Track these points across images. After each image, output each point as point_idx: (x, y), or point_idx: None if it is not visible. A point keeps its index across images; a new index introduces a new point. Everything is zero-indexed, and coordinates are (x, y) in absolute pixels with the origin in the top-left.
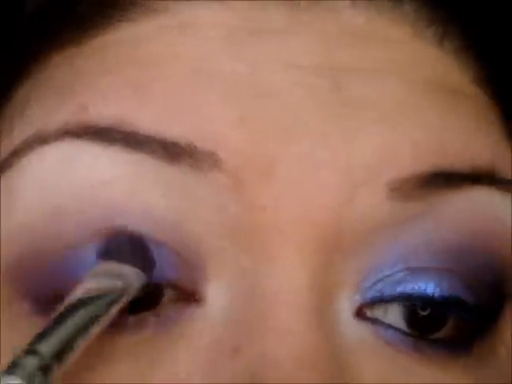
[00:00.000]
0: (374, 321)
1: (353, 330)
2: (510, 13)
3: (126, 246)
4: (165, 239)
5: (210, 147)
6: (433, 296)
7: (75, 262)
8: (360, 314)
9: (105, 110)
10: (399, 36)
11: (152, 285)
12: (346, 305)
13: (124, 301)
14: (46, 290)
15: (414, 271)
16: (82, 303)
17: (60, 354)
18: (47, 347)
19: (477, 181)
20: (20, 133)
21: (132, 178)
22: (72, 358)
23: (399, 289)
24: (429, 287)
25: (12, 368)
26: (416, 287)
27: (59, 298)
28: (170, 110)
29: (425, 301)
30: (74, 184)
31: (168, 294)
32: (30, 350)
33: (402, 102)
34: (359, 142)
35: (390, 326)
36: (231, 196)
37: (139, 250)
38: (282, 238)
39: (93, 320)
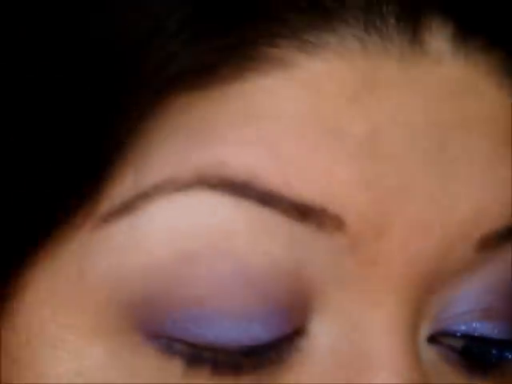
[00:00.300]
0: (443, 346)
1: (427, 353)
2: None
3: None
4: (284, 291)
5: (337, 210)
6: (493, 339)
7: (201, 320)
8: (432, 339)
9: (241, 165)
10: (489, 87)
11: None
12: (425, 331)
13: None
14: (163, 333)
15: (482, 314)
16: None
17: None
18: None
19: None
20: (151, 175)
21: (258, 229)
22: None
23: (464, 328)
24: (493, 331)
25: None
26: (480, 329)
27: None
28: (301, 169)
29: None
30: (204, 232)
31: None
32: None
33: (489, 157)
34: (455, 198)
35: (453, 350)
36: (348, 253)
37: None
38: (387, 284)
39: None
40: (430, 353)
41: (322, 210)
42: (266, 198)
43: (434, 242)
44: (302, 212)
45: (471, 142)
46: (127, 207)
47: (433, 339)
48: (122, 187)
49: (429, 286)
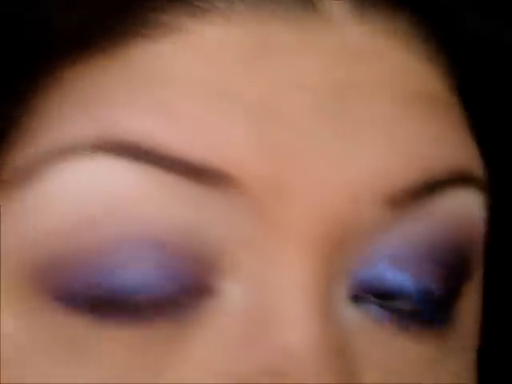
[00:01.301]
0: (366, 303)
1: (348, 312)
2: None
3: None
4: (181, 237)
5: (233, 171)
6: (409, 291)
7: (97, 275)
8: (354, 298)
9: (133, 126)
10: (393, 50)
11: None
12: (343, 290)
13: None
14: (72, 292)
15: (397, 264)
16: None
17: None
18: None
19: (457, 184)
20: (52, 141)
21: (157, 193)
22: None
23: (382, 280)
24: (408, 283)
25: None
26: (396, 283)
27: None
28: (196, 131)
29: (404, 295)
30: (103, 197)
31: (183, 286)
32: None
33: (397, 117)
34: (359, 156)
35: (374, 305)
36: (248, 212)
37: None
38: (294, 244)
39: None
40: (353, 312)
41: (217, 170)
42: (163, 161)
43: (339, 201)
44: (199, 173)
45: (375, 103)
46: (29, 173)
47: (357, 298)
48: (23, 154)
49: (341, 245)
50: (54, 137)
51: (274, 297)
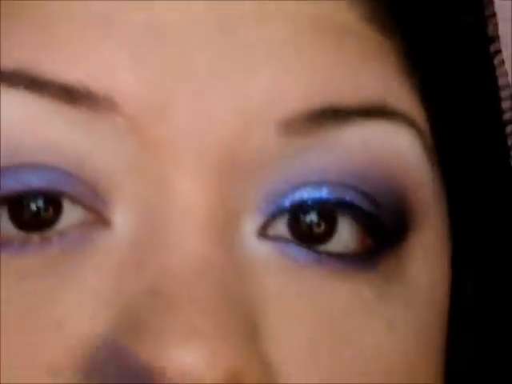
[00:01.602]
0: (276, 238)
1: (255, 248)
2: None
3: None
4: (67, 165)
5: (106, 91)
6: (326, 199)
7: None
8: (263, 233)
9: (8, 55)
10: None
11: (51, 205)
12: (248, 226)
13: None
14: None
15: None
16: None
17: None
18: None
19: (367, 115)
20: None
21: (35, 117)
22: None
23: (295, 197)
24: (322, 192)
25: None
26: (307, 194)
27: None
28: (67, 53)
29: (317, 204)
30: None
31: (68, 215)
32: None
33: (289, 42)
34: (249, 81)
35: (290, 241)
36: (130, 136)
37: None
38: (180, 166)
39: None
40: (262, 249)
41: (88, 90)
42: (35, 85)
43: (223, 126)
44: (71, 95)
45: (266, 29)
46: None
47: (268, 235)
48: None
49: (232, 173)
50: None
51: (163, 224)
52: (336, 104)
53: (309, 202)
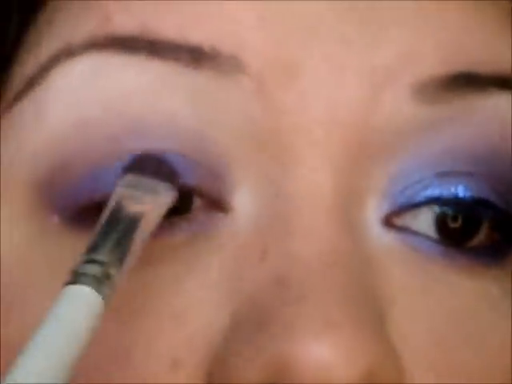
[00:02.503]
0: (403, 229)
1: (380, 237)
2: None
3: (150, 162)
4: (189, 149)
5: (231, 50)
6: (463, 198)
7: (102, 177)
8: (388, 222)
9: (128, 19)
10: None
11: (180, 193)
12: (373, 211)
13: (162, 211)
14: (73, 205)
15: (442, 176)
16: (122, 214)
17: (119, 260)
18: (104, 256)
19: (503, 86)
20: (47, 48)
21: (156, 86)
22: (129, 263)
23: (428, 193)
24: (458, 190)
25: (76, 277)
26: (445, 191)
27: (86, 212)
28: (191, 15)
29: (455, 203)
30: (101, 96)
31: (197, 202)
32: (89, 260)
33: (424, 5)
34: (382, 43)
35: (418, 234)
36: (255, 99)
37: (163, 166)
38: (307, 140)
39: (137, 227)
40: (386, 237)
41: (213, 50)
42: (156, 48)
43: (353, 87)
44: (195, 57)
45: None
46: (30, 84)
47: (392, 224)
48: (26, 66)
49: (362, 145)
50: (48, 44)
51: (287, 207)
52: (473, 71)
53: (443, 199)
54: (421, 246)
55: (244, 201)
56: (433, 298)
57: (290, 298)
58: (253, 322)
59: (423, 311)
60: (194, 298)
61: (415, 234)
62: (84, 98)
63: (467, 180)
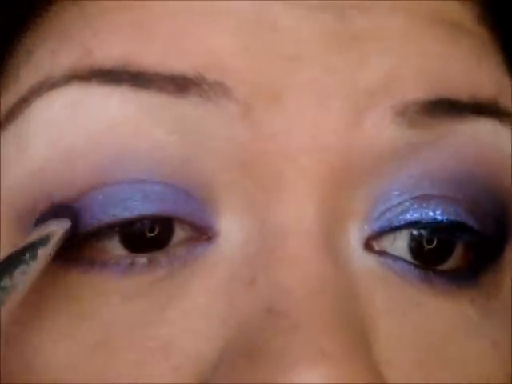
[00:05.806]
0: (382, 253)
1: (362, 260)
2: None
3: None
4: (173, 177)
5: (217, 77)
6: (441, 221)
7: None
8: (368, 246)
9: (109, 51)
10: None
11: (161, 224)
12: (355, 235)
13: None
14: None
15: (421, 200)
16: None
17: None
18: None
19: (480, 112)
20: (27, 79)
21: (139, 116)
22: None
23: (407, 216)
24: (437, 214)
25: None
26: (424, 215)
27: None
28: (174, 43)
29: (432, 226)
30: (84, 127)
31: (178, 234)
32: None
33: (406, 34)
34: (364, 69)
35: (398, 258)
36: (241, 124)
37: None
38: (292, 166)
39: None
40: (367, 261)
41: (199, 77)
42: (140, 80)
43: (337, 111)
44: (180, 85)
45: (380, 19)
46: (11, 115)
47: (373, 248)
48: (5, 97)
49: (345, 168)
50: (28, 76)
51: (274, 234)
52: (452, 97)
53: (422, 222)
54: (399, 269)
55: (230, 227)
56: (413, 321)
57: (282, 328)
58: (244, 351)
59: (405, 335)
60: (179, 327)
61: (394, 258)
62: (67, 130)
63: (445, 204)
